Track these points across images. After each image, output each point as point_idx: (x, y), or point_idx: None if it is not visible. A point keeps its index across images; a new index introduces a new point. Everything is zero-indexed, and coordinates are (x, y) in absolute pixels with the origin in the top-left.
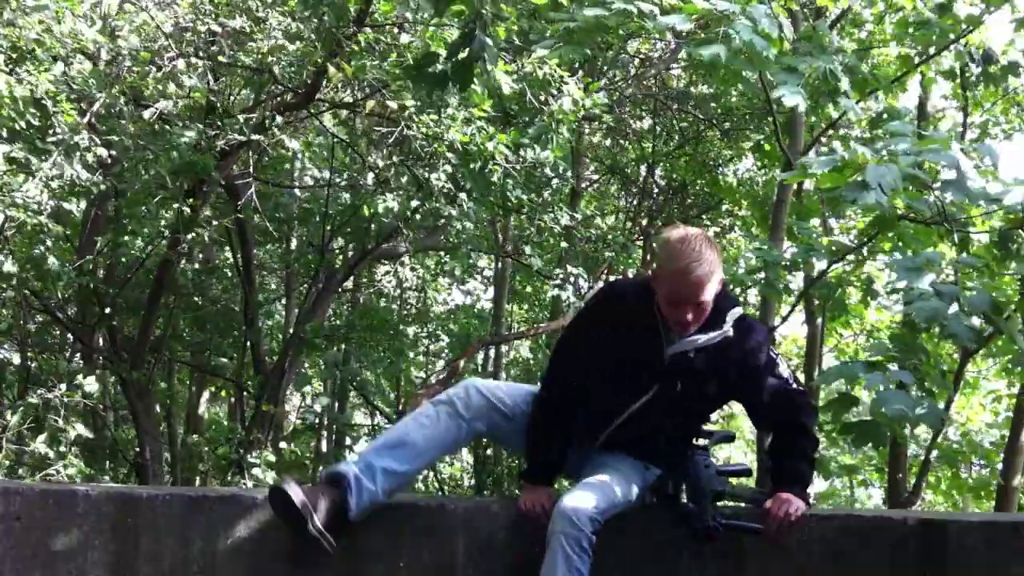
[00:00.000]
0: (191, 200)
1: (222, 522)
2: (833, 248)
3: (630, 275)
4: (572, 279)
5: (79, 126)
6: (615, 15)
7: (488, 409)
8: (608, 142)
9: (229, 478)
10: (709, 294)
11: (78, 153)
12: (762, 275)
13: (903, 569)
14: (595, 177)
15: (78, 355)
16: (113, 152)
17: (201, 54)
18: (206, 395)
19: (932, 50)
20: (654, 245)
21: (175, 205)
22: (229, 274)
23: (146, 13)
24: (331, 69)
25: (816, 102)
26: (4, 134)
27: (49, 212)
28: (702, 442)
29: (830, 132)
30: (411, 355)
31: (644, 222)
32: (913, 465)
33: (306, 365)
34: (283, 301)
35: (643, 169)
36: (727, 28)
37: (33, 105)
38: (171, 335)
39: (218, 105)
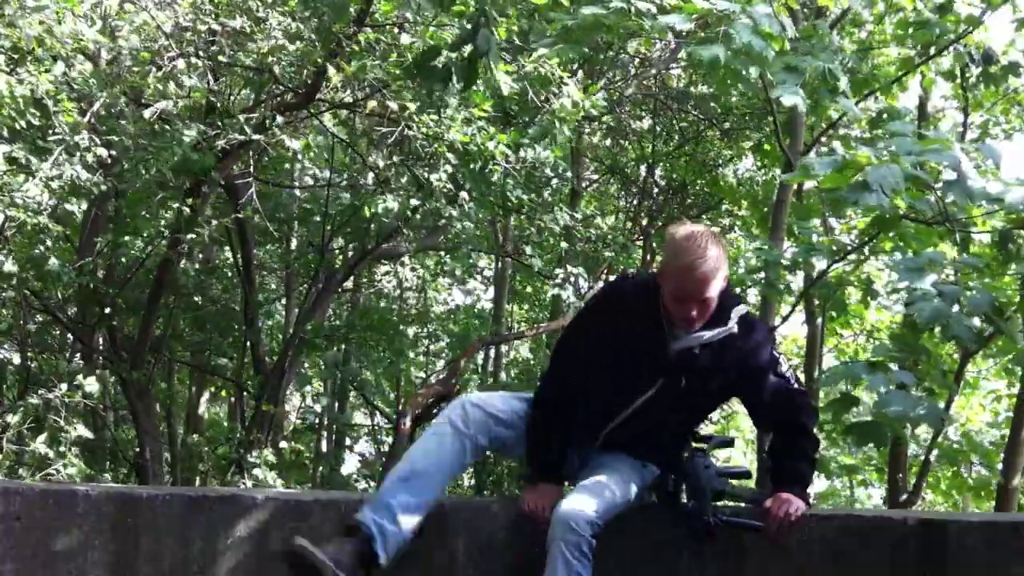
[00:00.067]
0: (191, 200)
1: (222, 522)
2: (833, 248)
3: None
4: (572, 279)
5: (79, 126)
6: (613, 13)
7: (486, 422)
8: (608, 142)
9: (229, 478)
10: (714, 291)
11: (78, 153)
12: (762, 275)
13: (903, 569)
14: (595, 177)
15: (78, 355)
16: (113, 152)
17: (201, 54)
18: (206, 395)
19: (932, 51)
20: (665, 237)
21: (175, 205)
22: (229, 274)
23: (146, 13)
24: (331, 69)
25: (816, 102)
26: (5, 134)
27: (49, 212)
28: (701, 446)
29: (830, 132)
30: (411, 355)
31: (644, 222)
32: (913, 465)
33: (306, 365)
34: (283, 301)
35: (643, 169)
36: (727, 28)
37: (33, 105)
38: (171, 335)
39: (218, 105)
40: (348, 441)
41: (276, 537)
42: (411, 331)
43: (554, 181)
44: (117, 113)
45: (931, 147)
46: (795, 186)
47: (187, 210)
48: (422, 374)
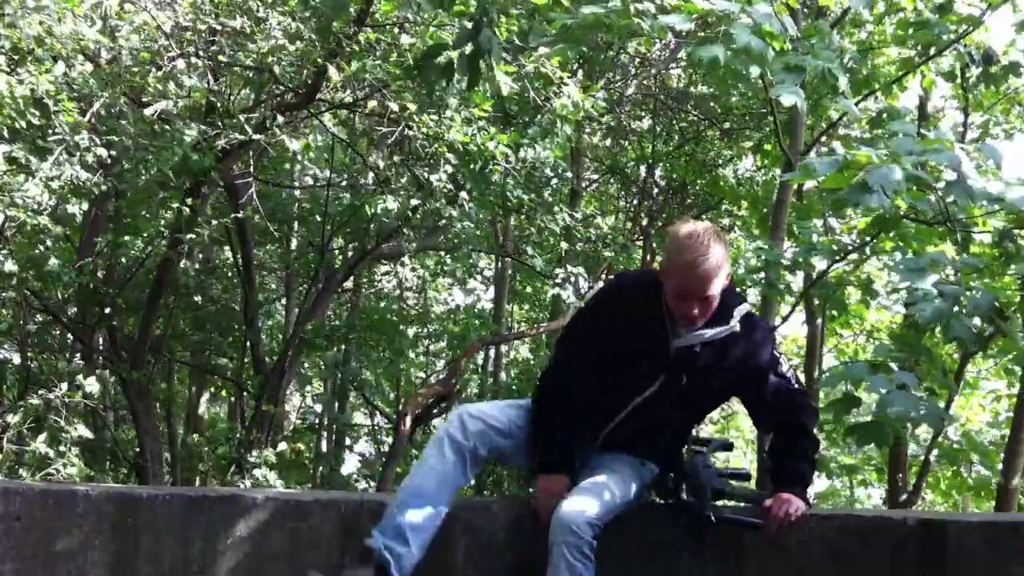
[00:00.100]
0: (191, 200)
1: (222, 522)
2: (834, 248)
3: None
4: (572, 279)
5: (79, 126)
6: (613, 12)
7: (485, 432)
8: (608, 142)
9: (229, 478)
10: (716, 289)
11: (78, 153)
12: (762, 275)
13: (903, 569)
14: (595, 177)
15: (78, 355)
16: (113, 152)
17: (201, 54)
18: (206, 395)
19: (932, 51)
20: (667, 235)
21: (175, 205)
22: (229, 274)
23: (146, 13)
24: (331, 69)
25: (816, 102)
26: (5, 134)
27: (49, 212)
28: (701, 448)
29: (830, 132)
30: (411, 355)
31: (644, 222)
32: (913, 465)
33: (306, 365)
34: (283, 301)
35: (643, 169)
36: (727, 27)
37: (33, 105)
38: (171, 335)
39: (218, 105)
40: (348, 441)
41: (276, 537)
42: (411, 331)
43: (554, 181)
44: (117, 113)
45: (932, 147)
46: (795, 186)
47: (187, 210)
48: (422, 374)
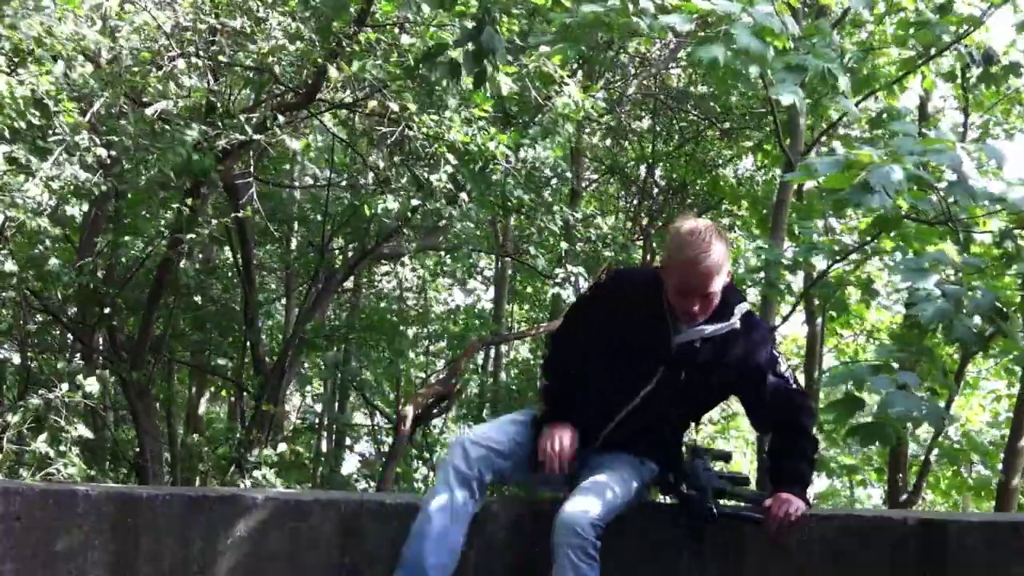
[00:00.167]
0: (191, 200)
1: (222, 522)
2: (835, 248)
3: None
4: (572, 279)
5: (79, 126)
6: (613, 10)
7: (487, 457)
8: (608, 142)
9: (229, 478)
10: (717, 286)
11: (78, 153)
12: (762, 275)
13: (903, 569)
14: (595, 177)
15: (78, 355)
16: (113, 152)
17: (201, 54)
18: (206, 395)
19: (932, 51)
20: (669, 231)
21: (175, 205)
22: (229, 274)
23: (147, 13)
24: (332, 69)
25: (816, 102)
26: (6, 134)
27: (49, 213)
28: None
29: (830, 132)
30: (411, 355)
31: (644, 222)
32: (913, 465)
33: (306, 365)
34: (283, 301)
35: (643, 169)
36: (728, 27)
37: (34, 105)
38: (171, 335)
39: (218, 105)
40: (348, 441)
41: (276, 537)
42: (411, 331)
43: (554, 181)
44: (117, 113)
45: (934, 147)
46: (795, 186)
47: (187, 210)
48: (422, 374)
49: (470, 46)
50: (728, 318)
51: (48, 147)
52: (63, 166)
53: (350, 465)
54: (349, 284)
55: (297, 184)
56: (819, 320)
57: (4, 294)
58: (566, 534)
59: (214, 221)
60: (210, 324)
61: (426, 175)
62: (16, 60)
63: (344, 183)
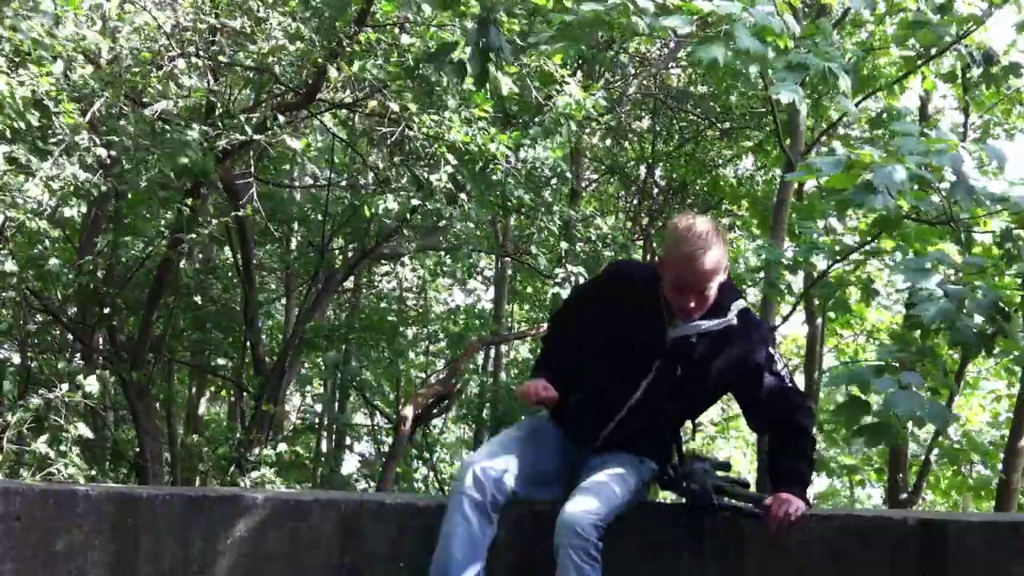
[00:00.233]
0: (191, 200)
1: (222, 522)
2: (836, 248)
3: None
4: (572, 279)
5: (79, 127)
6: (613, 9)
7: (498, 480)
8: (608, 142)
9: (229, 478)
10: (714, 282)
11: (78, 153)
12: (762, 274)
13: (903, 569)
14: (595, 177)
15: (78, 355)
16: (113, 152)
17: (201, 54)
18: (206, 395)
19: (933, 51)
20: (668, 227)
21: (175, 205)
22: (229, 274)
23: (147, 14)
24: (331, 69)
25: (816, 102)
26: (7, 134)
27: (48, 214)
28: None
29: (830, 132)
30: (411, 355)
31: (644, 222)
32: (913, 465)
33: (306, 365)
34: (283, 301)
35: (643, 169)
36: (728, 27)
37: (34, 106)
38: (171, 335)
39: (218, 105)
40: (348, 441)
41: (276, 537)
42: (411, 332)
43: (554, 181)
44: (117, 113)
45: (935, 147)
46: (795, 186)
47: (187, 210)
48: (422, 374)
49: (478, 44)
50: (724, 314)
51: (48, 148)
52: (63, 166)
53: (350, 465)
54: (349, 284)
55: (297, 184)
56: (819, 320)
57: (4, 294)
58: (568, 535)
59: (214, 221)
60: (210, 324)
61: (426, 175)
62: (17, 60)
63: (344, 183)
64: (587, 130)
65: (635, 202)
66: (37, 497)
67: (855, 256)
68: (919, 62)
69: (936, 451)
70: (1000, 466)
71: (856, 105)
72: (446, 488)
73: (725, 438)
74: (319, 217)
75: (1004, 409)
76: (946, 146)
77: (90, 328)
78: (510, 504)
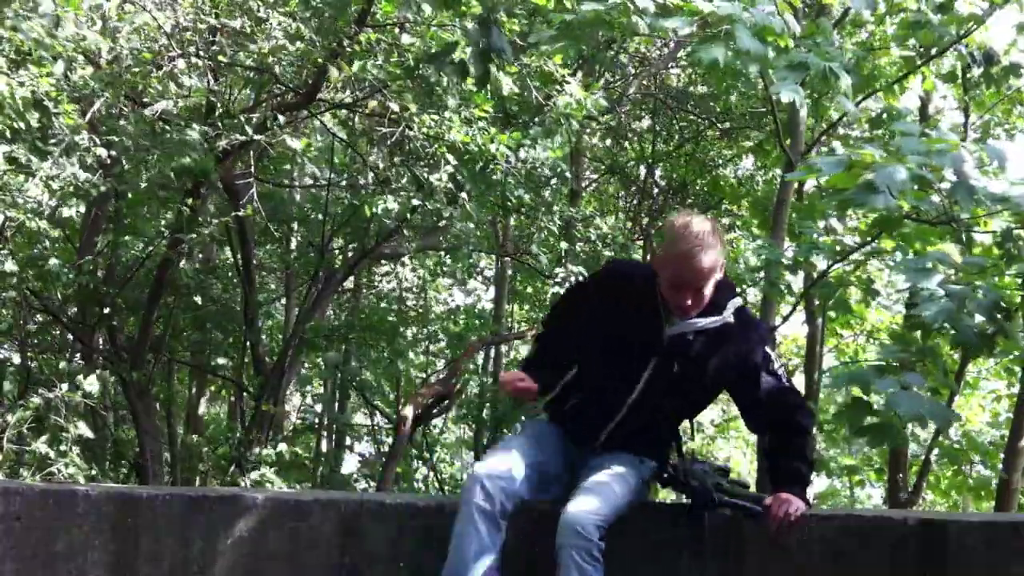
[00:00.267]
0: (191, 200)
1: (222, 522)
2: (836, 248)
3: None
4: (572, 279)
5: (80, 127)
6: (613, 8)
7: (505, 488)
8: (608, 142)
9: (229, 476)
10: (711, 280)
11: (78, 153)
12: (762, 274)
13: (903, 569)
14: (595, 177)
15: (78, 355)
16: (113, 152)
17: (201, 54)
18: (206, 395)
19: (934, 51)
20: (665, 225)
21: (175, 205)
22: (229, 274)
23: (147, 14)
24: (332, 70)
25: (815, 101)
26: (7, 135)
27: (48, 214)
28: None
29: (830, 132)
30: (411, 356)
31: (644, 222)
32: (913, 465)
33: (306, 365)
34: (283, 301)
35: (643, 169)
36: (728, 27)
37: (34, 106)
38: (171, 335)
39: (218, 105)
40: (348, 441)
41: (276, 537)
42: (411, 332)
43: (554, 181)
44: (117, 113)
45: (937, 147)
46: (795, 186)
47: (187, 210)
48: (422, 374)
49: (480, 45)
50: (721, 313)
51: (48, 149)
52: (63, 166)
53: (350, 465)
54: (349, 284)
55: (297, 184)
56: (819, 320)
57: (4, 294)
58: (570, 535)
59: (214, 221)
60: (210, 324)
61: (426, 175)
62: (18, 60)
63: (344, 183)
64: (587, 130)
65: (635, 202)
66: (37, 497)
67: (855, 256)
68: (919, 62)
69: (936, 451)
70: (1000, 466)
71: (856, 105)
72: (446, 488)
73: (725, 438)
74: (319, 217)
75: (1004, 409)
76: (947, 146)
77: (90, 328)
78: (518, 510)
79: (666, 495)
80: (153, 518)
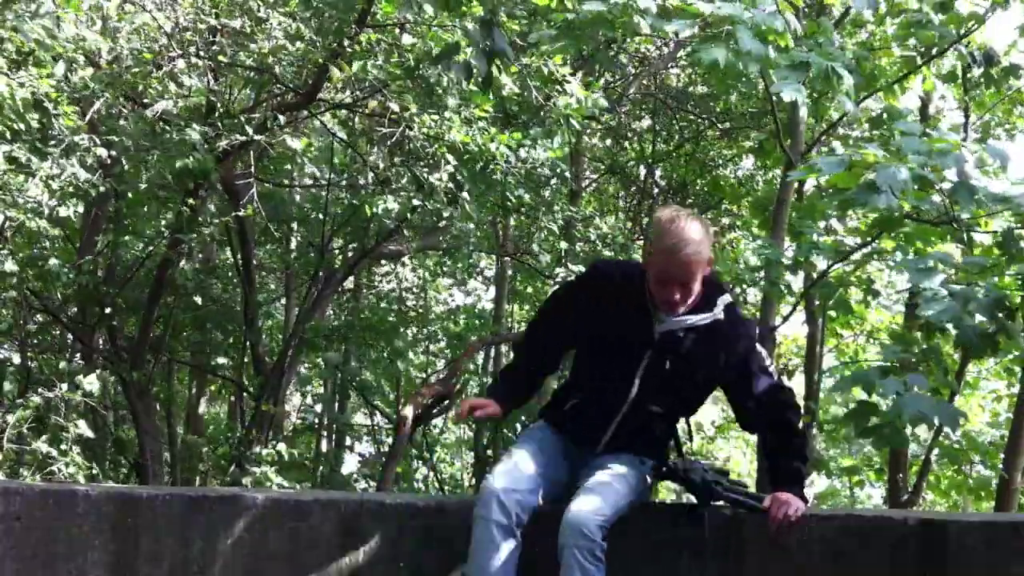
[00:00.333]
0: (191, 200)
1: (222, 522)
2: (837, 249)
3: None
4: (572, 279)
5: (79, 129)
6: (615, 7)
7: (521, 501)
8: (608, 142)
9: (229, 476)
10: (698, 274)
11: (78, 153)
12: (762, 274)
13: (903, 569)
14: (594, 177)
15: (78, 355)
16: (113, 152)
17: (201, 54)
18: (206, 395)
19: (935, 51)
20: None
21: (175, 205)
22: (229, 274)
23: (148, 14)
24: (333, 70)
25: (815, 101)
26: (7, 136)
27: (48, 214)
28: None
29: (830, 132)
30: (411, 356)
31: (644, 222)
32: (913, 465)
33: (306, 365)
34: (283, 301)
35: (643, 169)
36: (730, 28)
37: (33, 107)
38: (171, 335)
39: (218, 105)
40: (348, 441)
41: (276, 537)
42: (411, 332)
43: (553, 181)
44: (117, 114)
45: (938, 147)
46: (795, 185)
47: (187, 210)
48: (422, 374)
49: (482, 46)
50: (711, 309)
51: (48, 151)
52: (63, 167)
53: (350, 465)
54: (349, 284)
55: (297, 184)
56: (819, 320)
57: (4, 294)
58: (574, 535)
59: (214, 221)
60: (210, 324)
61: (426, 175)
62: (18, 61)
63: (344, 183)
64: (587, 130)
65: (635, 202)
66: (37, 497)
67: (855, 256)
68: (920, 62)
69: (936, 451)
70: (1000, 466)
71: (856, 105)
72: (446, 488)
73: (725, 438)
74: (319, 217)
75: (1004, 409)
76: (949, 146)
77: (90, 328)
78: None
79: (666, 495)
80: (153, 518)
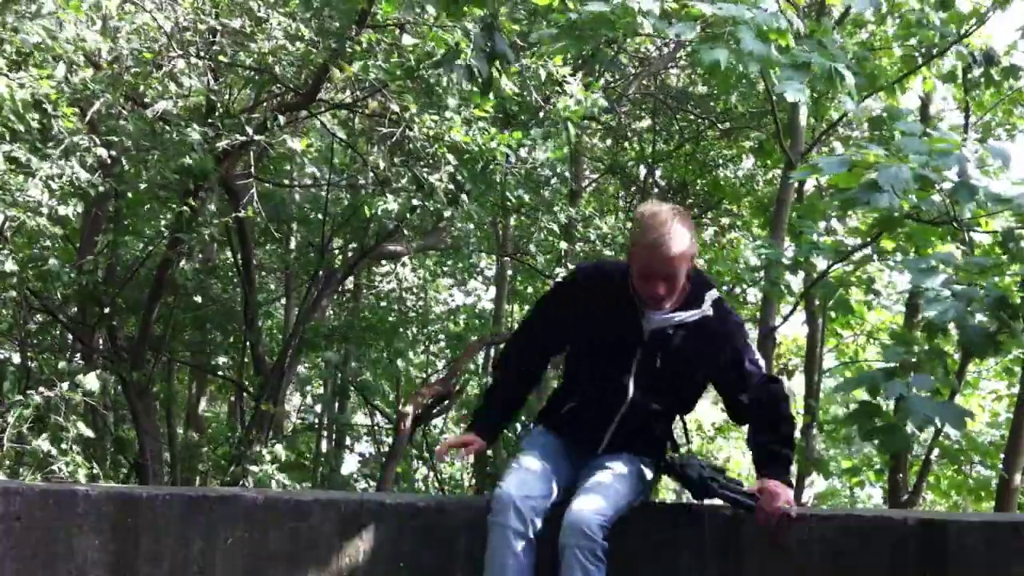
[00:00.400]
0: (191, 200)
1: (222, 522)
2: (837, 248)
3: None
4: None
5: (79, 130)
6: (617, 8)
7: (535, 507)
8: (608, 142)
9: (229, 477)
10: (681, 268)
11: (78, 153)
12: (762, 274)
13: (903, 569)
14: (594, 177)
15: (78, 355)
16: (113, 152)
17: (201, 54)
18: (206, 395)
19: (935, 51)
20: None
21: (175, 205)
22: (229, 274)
23: (148, 14)
24: (333, 70)
25: (815, 101)
26: (6, 136)
27: (48, 213)
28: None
29: (830, 132)
30: (411, 356)
31: None
32: (913, 465)
33: (306, 365)
34: (283, 301)
35: (643, 169)
36: (731, 28)
37: (33, 108)
38: (171, 335)
39: (218, 105)
40: (348, 441)
41: (276, 537)
42: (411, 332)
43: (553, 181)
44: (117, 114)
45: (939, 147)
46: (795, 185)
47: (187, 210)
48: (422, 374)
49: (484, 49)
50: (699, 305)
51: (48, 152)
52: (63, 167)
53: (350, 465)
54: (349, 284)
55: (297, 184)
56: (819, 320)
57: (4, 294)
58: (576, 535)
59: (214, 221)
60: (210, 324)
61: (426, 175)
62: (18, 62)
63: (344, 183)
64: (587, 130)
65: (635, 202)
66: (37, 497)
67: (856, 256)
68: (920, 62)
69: (936, 451)
70: (1000, 466)
71: (857, 105)
72: (446, 488)
73: (725, 438)
74: (319, 217)
75: (1004, 409)
76: (950, 146)
77: (90, 328)
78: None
79: (666, 495)
80: (153, 518)
